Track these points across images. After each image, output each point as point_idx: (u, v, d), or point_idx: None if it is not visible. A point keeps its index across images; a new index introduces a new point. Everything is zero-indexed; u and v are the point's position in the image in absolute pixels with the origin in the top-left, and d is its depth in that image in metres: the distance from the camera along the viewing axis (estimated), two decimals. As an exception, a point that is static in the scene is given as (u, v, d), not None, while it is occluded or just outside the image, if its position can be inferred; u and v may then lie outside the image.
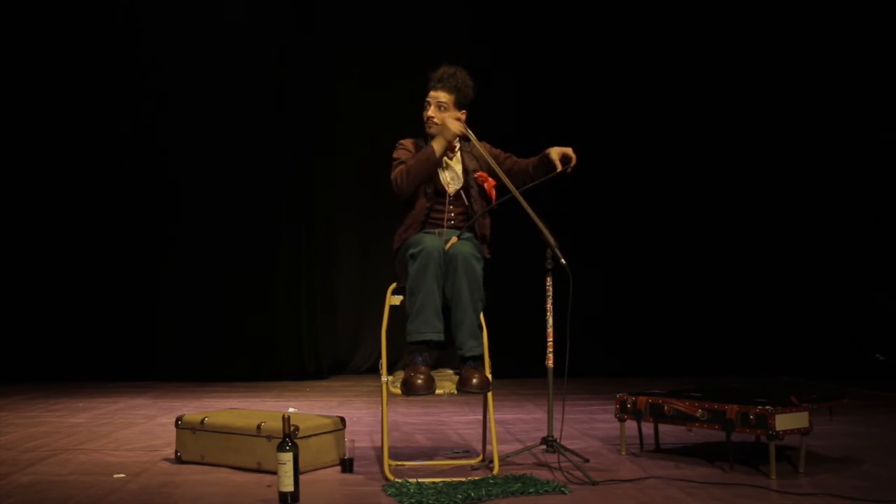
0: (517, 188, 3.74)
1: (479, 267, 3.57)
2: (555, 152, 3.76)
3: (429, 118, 3.82)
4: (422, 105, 3.85)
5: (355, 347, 7.85)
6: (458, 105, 3.82)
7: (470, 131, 3.77)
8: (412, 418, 5.22)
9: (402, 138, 3.93)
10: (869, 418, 5.07)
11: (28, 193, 7.54)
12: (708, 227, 7.67)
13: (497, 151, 3.94)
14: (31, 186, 7.55)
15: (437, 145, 3.71)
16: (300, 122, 7.61)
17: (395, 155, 3.85)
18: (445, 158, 3.82)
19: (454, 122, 3.73)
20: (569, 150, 3.76)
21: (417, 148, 3.85)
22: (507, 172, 3.85)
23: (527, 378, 6.70)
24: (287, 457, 3.12)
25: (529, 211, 3.64)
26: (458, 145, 3.88)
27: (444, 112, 3.79)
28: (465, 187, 3.82)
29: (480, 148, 3.79)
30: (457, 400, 5.84)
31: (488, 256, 3.76)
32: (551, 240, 3.66)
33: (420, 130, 3.87)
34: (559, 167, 3.73)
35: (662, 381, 5.56)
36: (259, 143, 7.56)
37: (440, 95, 3.80)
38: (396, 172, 3.76)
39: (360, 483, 3.50)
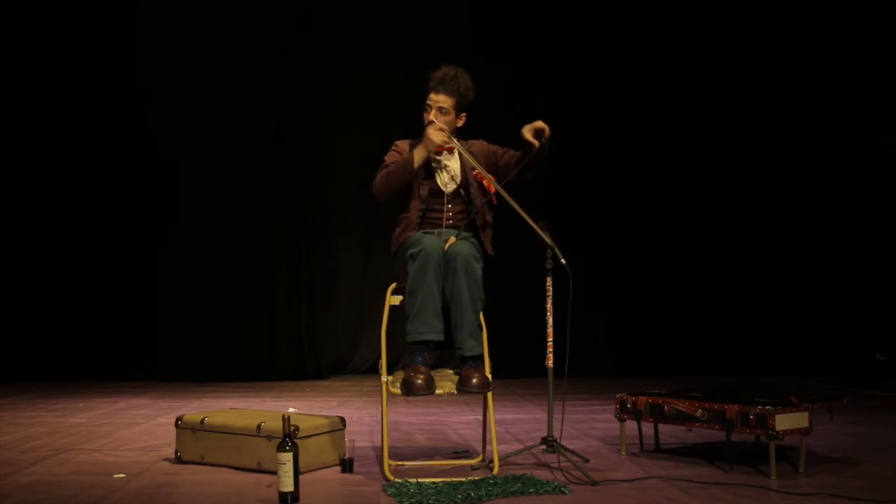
0: (512, 179, 3.73)
1: (478, 267, 3.57)
2: (527, 131, 3.68)
3: (430, 122, 3.77)
4: (422, 106, 3.82)
5: (355, 347, 7.85)
6: (459, 108, 3.79)
7: (455, 139, 3.70)
8: (412, 418, 5.21)
9: (400, 139, 3.92)
10: (869, 418, 5.07)
11: (27, 193, 7.53)
12: (708, 228, 7.65)
13: (495, 147, 3.92)
14: (29, 186, 7.53)
15: (418, 155, 3.69)
16: (301, 120, 7.60)
17: (385, 157, 3.85)
18: (443, 158, 3.81)
19: (436, 132, 3.67)
20: (538, 123, 3.69)
21: (413, 149, 3.84)
22: (504, 167, 3.85)
23: (527, 378, 6.70)
24: (287, 457, 3.12)
25: (522, 213, 3.63)
26: (455, 145, 3.87)
27: (445, 116, 3.77)
28: (464, 185, 3.81)
29: (466, 155, 3.73)
30: (457, 400, 5.83)
31: (491, 253, 3.75)
32: (549, 240, 3.66)
33: (419, 132, 3.86)
34: (535, 143, 3.67)
35: (663, 381, 5.55)
36: (259, 143, 7.55)
37: (441, 99, 3.76)
38: (378, 176, 3.76)
39: (360, 483, 3.50)
